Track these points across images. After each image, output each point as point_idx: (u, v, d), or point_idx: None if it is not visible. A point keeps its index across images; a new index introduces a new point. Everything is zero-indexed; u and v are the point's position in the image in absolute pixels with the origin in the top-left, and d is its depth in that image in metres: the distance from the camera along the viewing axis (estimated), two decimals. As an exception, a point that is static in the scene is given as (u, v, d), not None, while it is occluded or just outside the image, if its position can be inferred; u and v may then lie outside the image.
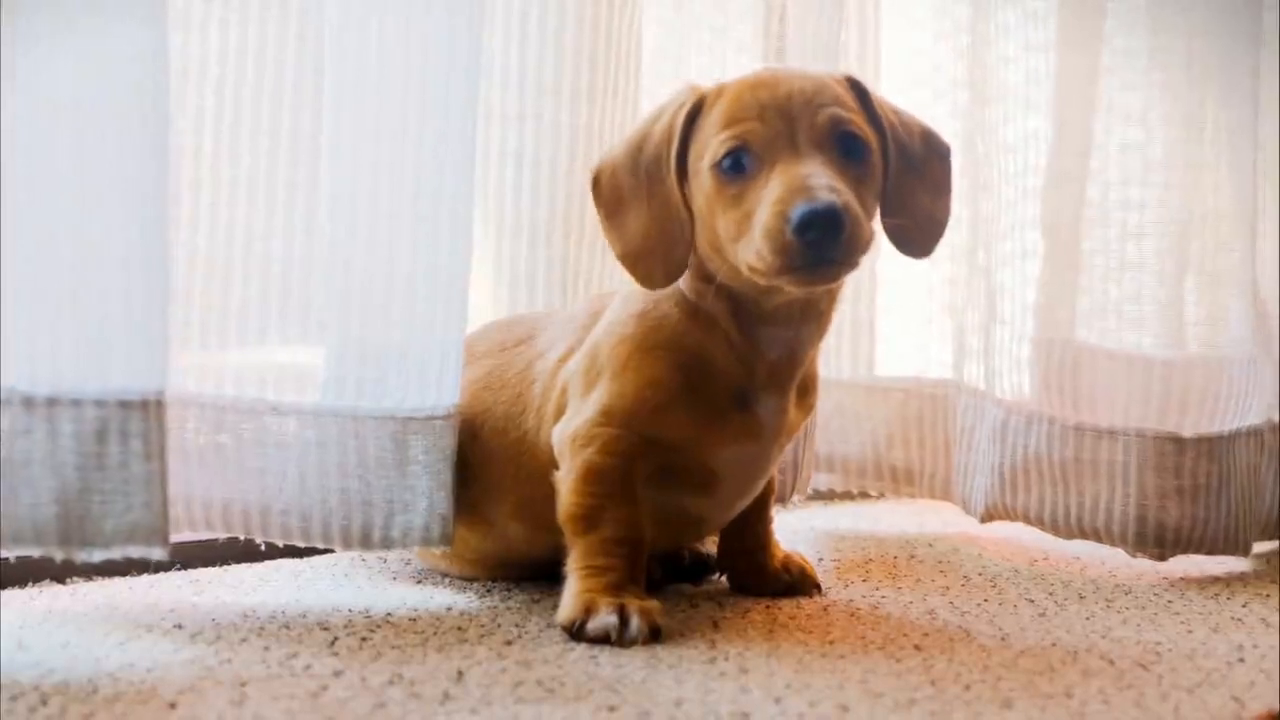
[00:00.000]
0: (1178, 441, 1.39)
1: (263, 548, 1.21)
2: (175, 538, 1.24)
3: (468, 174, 1.15)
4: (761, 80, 1.07)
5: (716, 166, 1.05)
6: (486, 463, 1.18)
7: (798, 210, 0.98)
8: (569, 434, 1.11)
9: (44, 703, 0.86)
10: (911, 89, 1.60)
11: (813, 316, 1.11)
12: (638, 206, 1.10)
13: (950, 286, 1.59)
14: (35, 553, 0.98)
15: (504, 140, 1.36)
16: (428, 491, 1.15)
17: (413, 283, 1.14)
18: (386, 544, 1.15)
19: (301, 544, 1.16)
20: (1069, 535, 1.43)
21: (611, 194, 1.11)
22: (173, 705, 0.87)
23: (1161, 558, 1.40)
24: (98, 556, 0.99)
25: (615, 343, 1.12)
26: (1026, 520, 1.45)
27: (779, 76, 1.07)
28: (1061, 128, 1.46)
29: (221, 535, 1.16)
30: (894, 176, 1.10)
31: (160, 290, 1.01)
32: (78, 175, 0.98)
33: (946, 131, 1.54)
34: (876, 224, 1.09)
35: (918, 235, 1.12)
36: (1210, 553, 1.40)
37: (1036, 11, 1.46)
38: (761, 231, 1.00)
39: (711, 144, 1.05)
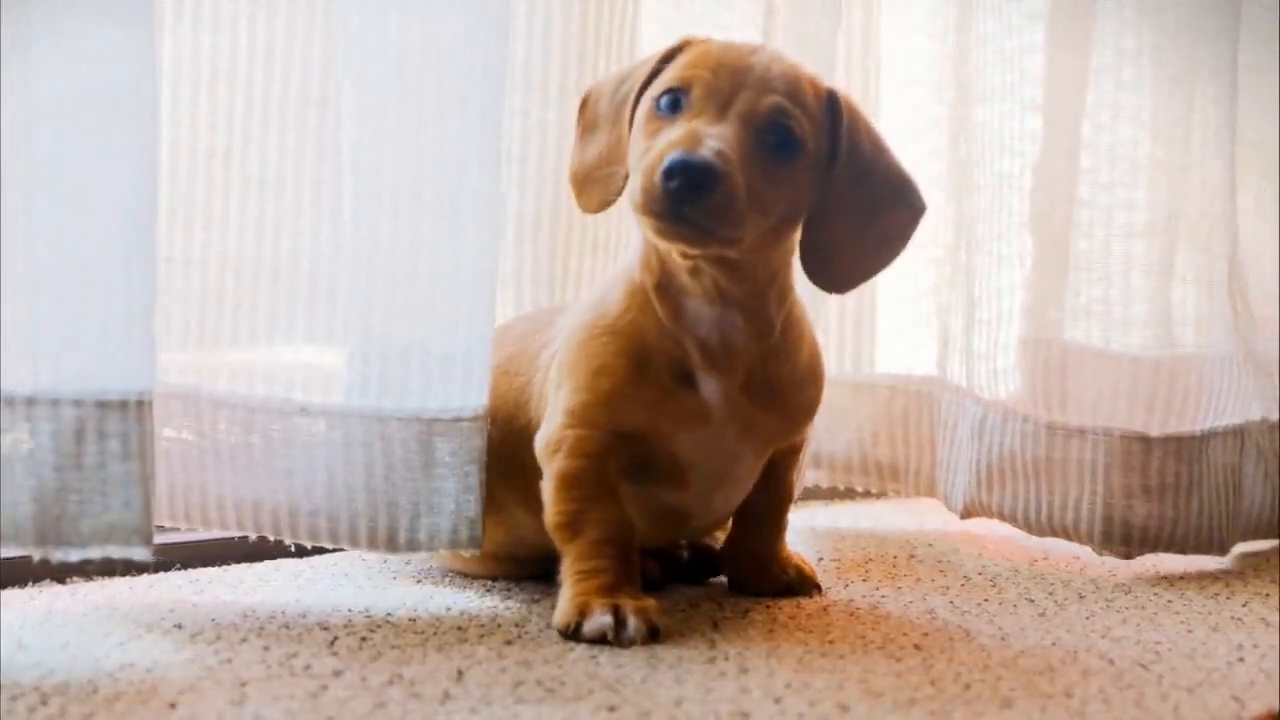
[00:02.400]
0: (1145, 441, 1.39)
1: (292, 548, 1.21)
2: (181, 537, 1.26)
3: (493, 172, 1.15)
4: (737, 45, 1.09)
5: (655, 100, 1.07)
6: (499, 447, 1.18)
7: (671, 156, 1.00)
8: (544, 441, 1.12)
9: (44, 703, 0.86)
10: (907, 88, 1.60)
11: (733, 302, 1.10)
12: (603, 132, 1.13)
13: (937, 285, 1.58)
14: (12, 551, 0.99)
15: None
16: (454, 494, 1.15)
17: (437, 281, 1.14)
18: (413, 546, 1.15)
19: (330, 545, 1.16)
20: (1041, 533, 1.43)
21: (591, 116, 1.15)
22: (173, 705, 0.87)
23: (1128, 556, 1.40)
24: (74, 556, 0.98)
25: (569, 338, 1.13)
26: (1001, 517, 1.45)
27: (756, 49, 1.09)
28: (1049, 127, 1.46)
29: (253, 535, 1.16)
30: (836, 200, 1.09)
31: (145, 291, 1.00)
32: (59, 175, 0.97)
33: (943, 132, 1.56)
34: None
35: (839, 270, 1.12)
36: (1181, 552, 1.40)
37: (1026, 12, 1.46)
38: (642, 168, 1.02)
39: (661, 79, 1.07)
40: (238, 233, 1.15)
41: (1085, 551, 1.46)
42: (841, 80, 1.52)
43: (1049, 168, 1.45)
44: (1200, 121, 1.45)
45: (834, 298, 1.58)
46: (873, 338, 1.63)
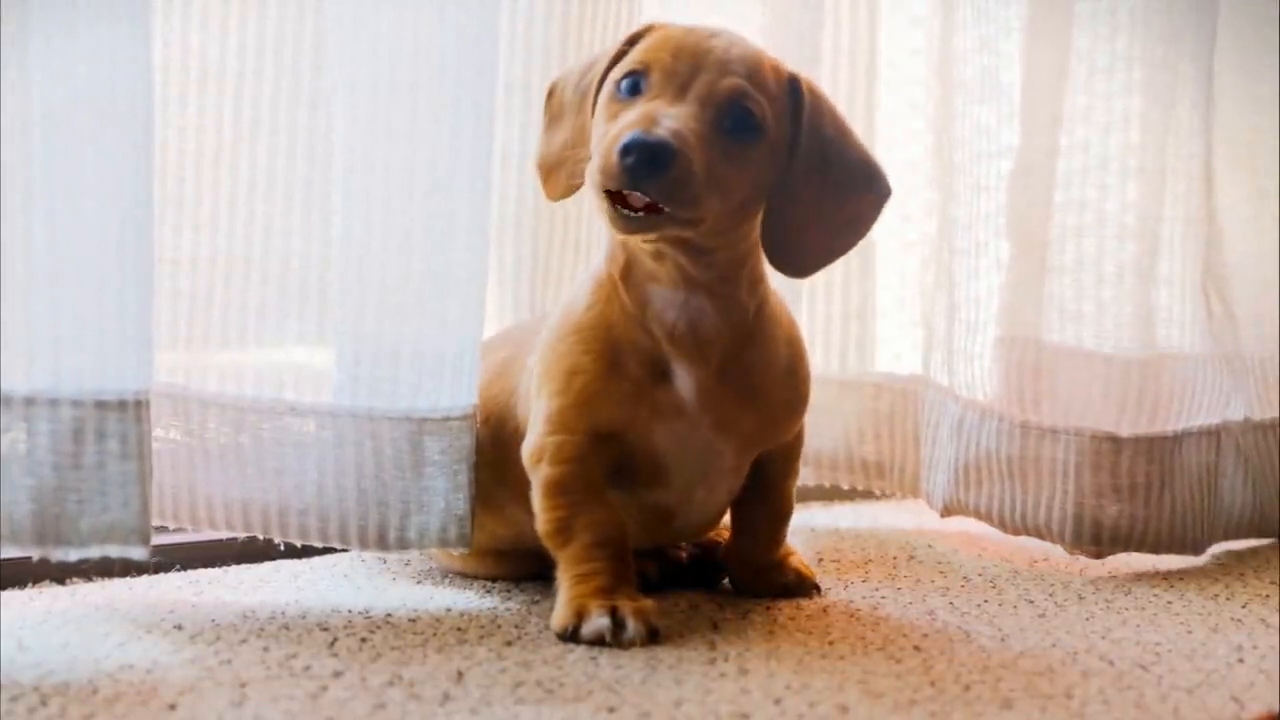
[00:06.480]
0: (1115, 440, 1.39)
1: (282, 546, 1.21)
2: (181, 538, 1.26)
3: (484, 171, 1.15)
4: (698, 29, 1.09)
5: (616, 84, 1.07)
6: (493, 449, 1.18)
7: (628, 135, 1.00)
8: (528, 450, 1.12)
9: (44, 703, 0.87)
10: (906, 87, 1.60)
11: (699, 286, 1.10)
12: (568, 120, 1.13)
13: (923, 286, 1.58)
14: (11, 551, 0.99)
15: None
16: (444, 493, 1.15)
17: (428, 281, 1.14)
18: (403, 545, 1.16)
19: (320, 544, 1.16)
20: (1015, 532, 1.43)
21: (556, 105, 1.15)
22: (173, 705, 0.87)
23: (1099, 555, 1.41)
24: (74, 556, 0.99)
25: (544, 343, 1.14)
26: (978, 516, 1.46)
27: (717, 33, 1.09)
28: (1026, 129, 1.45)
29: (242, 535, 1.17)
30: (798, 184, 1.09)
31: (142, 291, 1.00)
32: (57, 174, 0.97)
33: (935, 131, 1.55)
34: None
35: (800, 253, 1.12)
36: (1154, 551, 1.41)
37: (1017, 15, 1.46)
38: (601, 148, 1.02)
39: (622, 64, 1.08)
40: (228, 233, 1.16)
41: (1082, 552, 1.47)
42: (829, 77, 1.52)
43: (1026, 167, 1.45)
44: (1176, 123, 1.45)
45: (826, 295, 1.58)
46: (865, 337, 1.62)
